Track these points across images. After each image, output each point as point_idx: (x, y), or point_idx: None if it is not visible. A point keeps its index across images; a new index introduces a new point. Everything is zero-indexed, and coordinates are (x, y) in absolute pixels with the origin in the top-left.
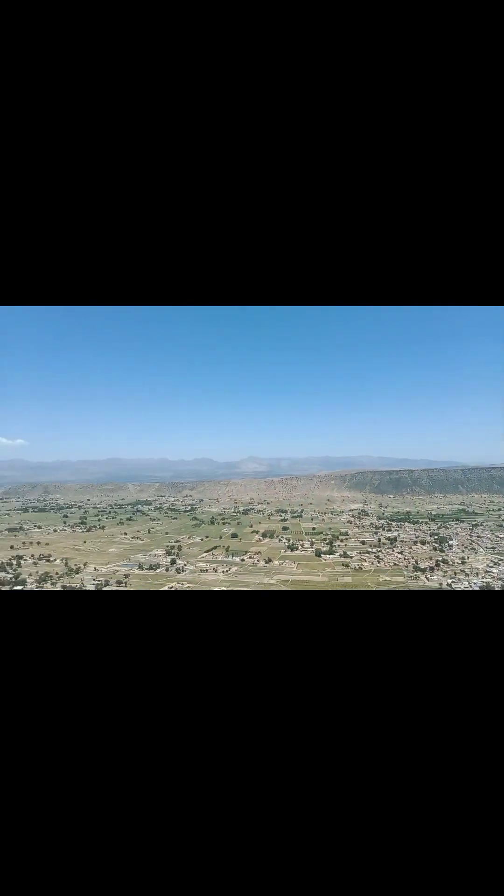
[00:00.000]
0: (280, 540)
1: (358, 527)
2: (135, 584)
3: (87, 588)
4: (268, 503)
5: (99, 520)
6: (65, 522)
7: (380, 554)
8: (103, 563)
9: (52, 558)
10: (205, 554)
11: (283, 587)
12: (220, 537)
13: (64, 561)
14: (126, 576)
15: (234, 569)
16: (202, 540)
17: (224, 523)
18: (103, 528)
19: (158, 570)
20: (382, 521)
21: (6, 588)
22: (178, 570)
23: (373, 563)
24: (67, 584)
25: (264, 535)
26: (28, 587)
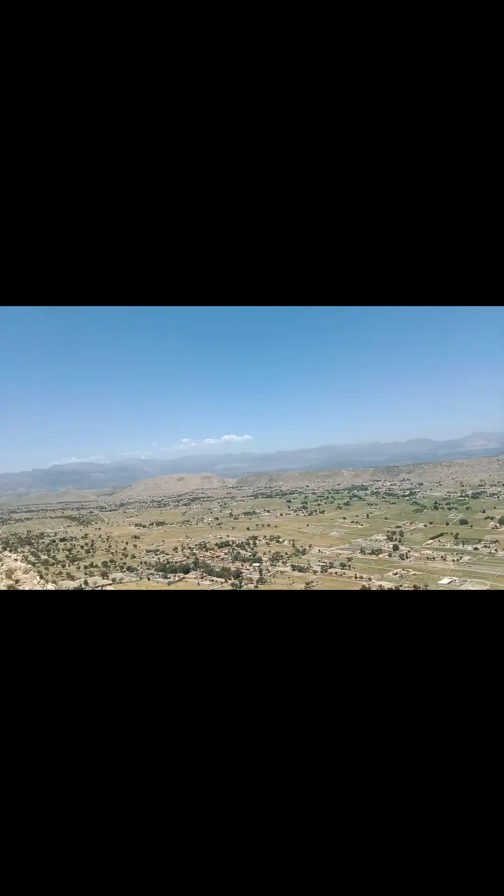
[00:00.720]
0: None
1: None
2: (358, 568)
3: (314, 568)
4: (503, 485)
5: (318, 504)
6: (288, 506)
7: None
8: (326, 546)
9: (280, 539)
10: (430, 541)
11: None
12: (447, 524)
13: (291, 542)
14: (349, 559)
15: (465, 558)
16: (426, 526)
17: (449, 508)
18: (323, 512)
19: (381, 556)
20: None
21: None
22: (401, 557)
23: None
24: (296, 564)
25: (501, 522)
26: (264, 564)
